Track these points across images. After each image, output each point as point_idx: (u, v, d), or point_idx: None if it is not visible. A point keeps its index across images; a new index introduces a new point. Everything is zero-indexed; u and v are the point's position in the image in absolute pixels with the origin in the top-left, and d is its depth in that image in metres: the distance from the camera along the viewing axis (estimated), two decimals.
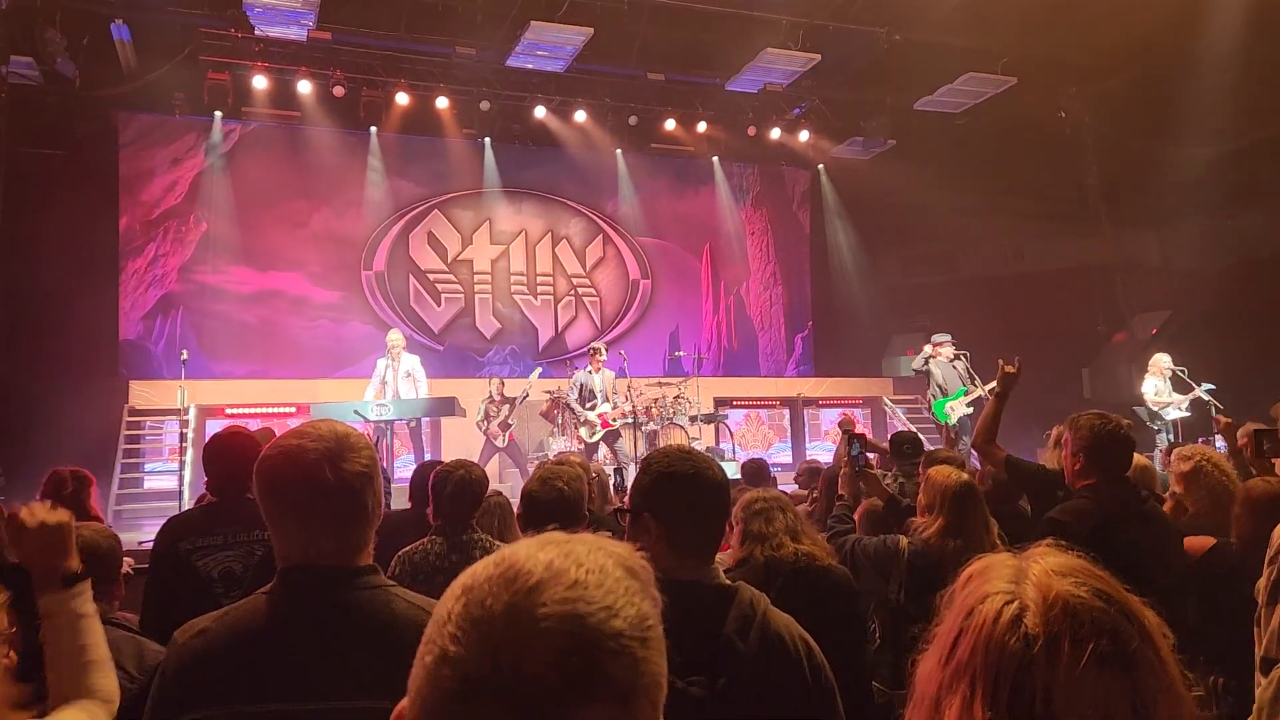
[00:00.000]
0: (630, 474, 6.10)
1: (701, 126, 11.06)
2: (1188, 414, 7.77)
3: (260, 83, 9.33)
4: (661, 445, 9.97)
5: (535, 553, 0.55)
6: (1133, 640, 0.63)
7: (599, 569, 0.54)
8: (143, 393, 8.99)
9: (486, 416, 8.44)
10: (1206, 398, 7.62)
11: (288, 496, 1.22)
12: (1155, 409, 7.81)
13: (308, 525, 1.21)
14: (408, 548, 2.55)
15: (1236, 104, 9.35)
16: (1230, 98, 9.19)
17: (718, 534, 1.46)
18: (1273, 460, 3.03)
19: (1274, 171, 11.15)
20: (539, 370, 8.90)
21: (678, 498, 1.41)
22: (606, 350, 8.16)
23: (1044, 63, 9.53)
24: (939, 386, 7.72)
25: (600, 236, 11.77)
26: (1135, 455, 2.51)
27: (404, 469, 8.22)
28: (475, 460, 8.58)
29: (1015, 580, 0.66)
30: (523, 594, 0.52)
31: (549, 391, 9.04)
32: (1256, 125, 9.78)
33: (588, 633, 0.51)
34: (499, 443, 8.43)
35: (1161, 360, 7.93)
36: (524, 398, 8.47)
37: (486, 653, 0.51)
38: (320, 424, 1.29)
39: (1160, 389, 7.82)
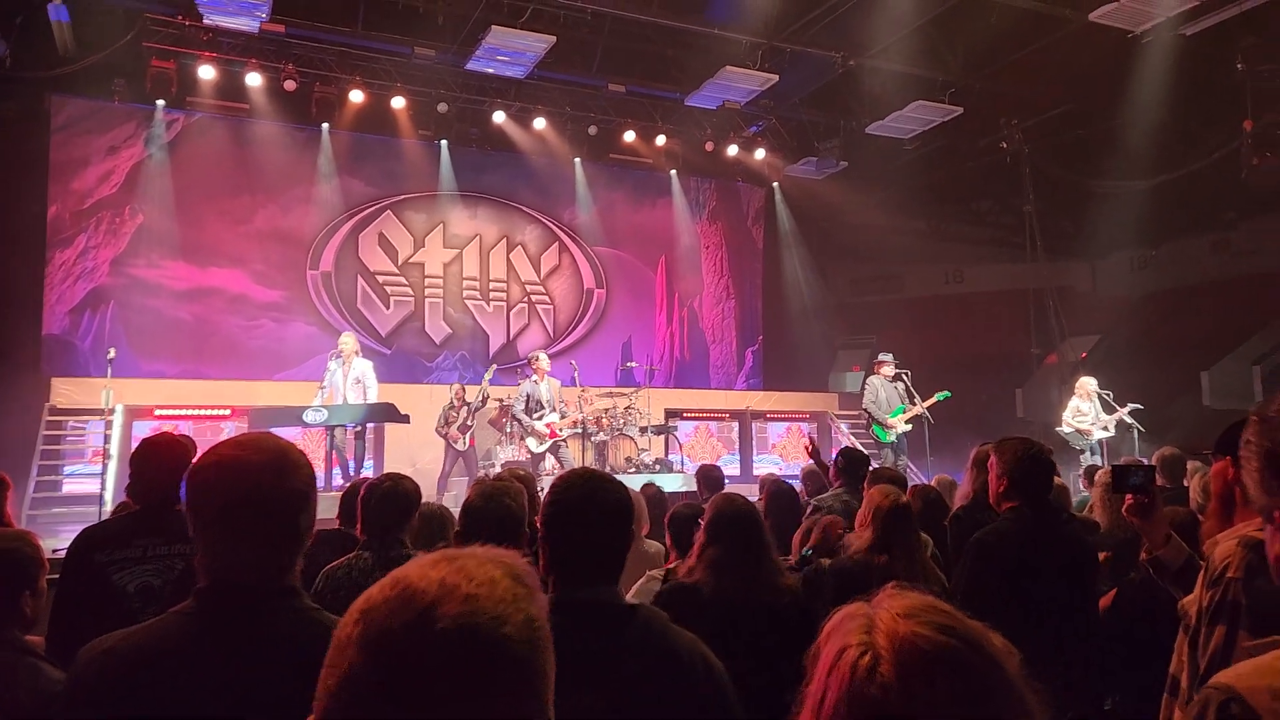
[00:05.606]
0: None
1: (660, 140, 11.15)
2: (1112, 434, 8.12)
3: (207, 73, 9.04)
4: (610, 456, 9.74)
5: (428, 571, 0.59)
6: (979, 670, 0.66)
7: (489, 581, 0.59)
8: (65, 391, 8.57)
9: (446, 421, 8.21)
10: (1130, 419, 7.98)
11: (223, 510, 1.17)
12: (1070, 429, 8.10)
13: (240, 541, 1.17)
14: (334, 563, 2.47)
15: (1162, 141, 9.89)
16: (1157, 135, 9.72)
17: (605, 554, 1.46)
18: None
19: (1193, 206, 11.84)
20: (493, 369, 8.73)
21: (564, 521, 1.46)
22: (549, 360, 8.06)
23: (987, 95, 9.91)
24: (878, 404, 7.90)
25: (556, 244, 11.73)
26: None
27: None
28: (440, 467, 8.29)
29: (867, 630, 0.68)
30: (419, 612, 0.56)
31: (499, 400, 8.92)
32: (1179, 162, 10.36)
33: (481, 639, 0.56)
34: (459, 446, 8.16)
35: (1088, 384, 8.25)
36: (482, 401, 8.31)
37: (389, 671, 0.54)
38: (262, 437, 1.26)
39: (1083, 410, 8.14)
